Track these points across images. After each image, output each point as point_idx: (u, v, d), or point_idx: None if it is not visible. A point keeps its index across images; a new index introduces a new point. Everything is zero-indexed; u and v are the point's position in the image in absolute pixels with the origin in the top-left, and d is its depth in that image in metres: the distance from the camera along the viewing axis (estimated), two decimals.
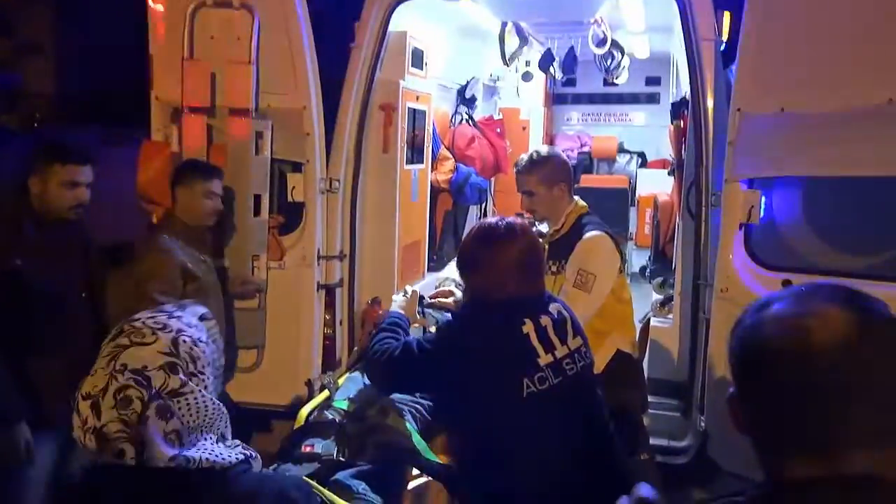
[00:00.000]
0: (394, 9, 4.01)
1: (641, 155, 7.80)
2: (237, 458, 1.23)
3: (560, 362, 1.90)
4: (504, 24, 5.56)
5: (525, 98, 7.47)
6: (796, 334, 0.87)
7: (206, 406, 1.23)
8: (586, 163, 7.82)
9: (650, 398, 3.55)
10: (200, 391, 1.22)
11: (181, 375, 1.20)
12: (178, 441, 1.18)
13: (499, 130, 6.42)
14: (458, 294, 2.63)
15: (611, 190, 6.88)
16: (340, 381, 2.67)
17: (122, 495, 1.17)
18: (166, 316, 1.27)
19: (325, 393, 2.50)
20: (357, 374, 2.56)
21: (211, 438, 1.23)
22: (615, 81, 6.88)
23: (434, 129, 5.21)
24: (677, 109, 4.32)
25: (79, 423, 1.18)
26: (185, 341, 1.24)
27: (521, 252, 1.95)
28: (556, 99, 8.11)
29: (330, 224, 3.93)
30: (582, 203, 2.90)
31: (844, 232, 3.07)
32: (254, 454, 1.28)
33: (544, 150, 3.01)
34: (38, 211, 2.48)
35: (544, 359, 1.87)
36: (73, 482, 1.27)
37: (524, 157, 2.96)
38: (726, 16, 3.65)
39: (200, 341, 1.26)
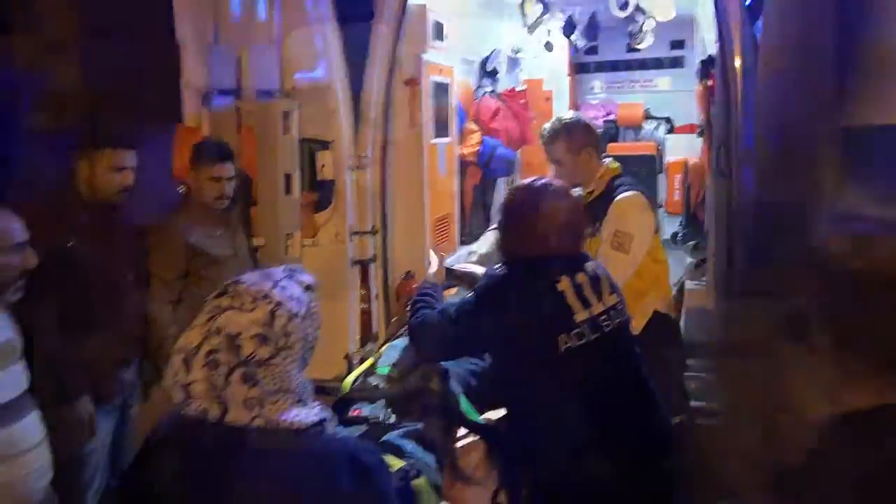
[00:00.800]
0: None
1: (668, 120, 7.68)
2: (313, 420, 1.27)
3: (597, 318, 1.92)
4: None
5: (548, 68, 7.41)
6: None
7: (290, 378, 1.26)
8: (612, 131, 7.73)
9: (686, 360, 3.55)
10: (288, 364, 1.26)
11: (271, 347, 1.24)
12: (259, 405, 1.23)
13: (523, 102, 6.39)
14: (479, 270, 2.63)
15: (638, 157, 6.81)
16: (382, 350, 2.73)
17: (202, 449, 1.23)
18: (271, 284, 1.30)
19: (369, 361, 2.55)
20: (398, 342, 2.61)
21: (291, 400, 1.27)
22: (638, 46, 6.78)
23: (458, 103, 5.21)
24: (706, 68, 4.26)
25: (170, 375, 1.24)
26: (281, 315, 1.26)
27: (565, 210, 1.99)
28: (579, 68, 8.02)
29: (361, 200, 3.98)
30: (614, 164, 2.89)
31: (881, 181, 3.02)
32: (330, 416, 1.32)
33: (567, 116, 3.00)
34: (85, 195, 2.55)
35: (580, 315, 1.89)
36: (158, 431, 1.32)
37: (547, 126, 2.96)
38: None
39: (297, 316, 1.28)
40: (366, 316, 4.02)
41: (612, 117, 7.80)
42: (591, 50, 7.68)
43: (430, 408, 2.14)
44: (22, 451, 1.90)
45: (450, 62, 4.89)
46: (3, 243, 1.94)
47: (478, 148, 5.47)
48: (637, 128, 7.79)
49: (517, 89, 6.65)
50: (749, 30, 3.56)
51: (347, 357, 3.88)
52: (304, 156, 3.83)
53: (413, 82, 4.31)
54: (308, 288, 1.36)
